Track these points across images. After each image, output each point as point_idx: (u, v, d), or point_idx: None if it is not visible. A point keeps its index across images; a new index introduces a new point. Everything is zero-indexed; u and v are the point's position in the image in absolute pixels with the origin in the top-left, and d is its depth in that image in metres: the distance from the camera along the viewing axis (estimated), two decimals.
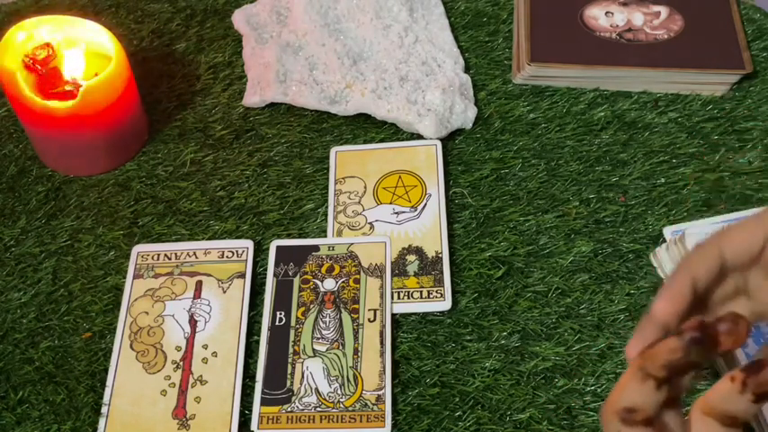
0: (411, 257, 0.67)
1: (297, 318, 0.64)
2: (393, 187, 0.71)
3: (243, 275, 0.66)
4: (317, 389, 0.60)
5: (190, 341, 0.63)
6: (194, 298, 0.65)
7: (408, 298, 0.64)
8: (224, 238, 0.69)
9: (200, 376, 0.61)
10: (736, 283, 0.45)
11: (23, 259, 0.69)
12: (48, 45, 0.70)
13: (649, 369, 0.37)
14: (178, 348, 0.63)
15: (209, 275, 0.66)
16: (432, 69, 0.78)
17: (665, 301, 0.41)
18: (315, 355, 0.62)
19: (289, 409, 0.59)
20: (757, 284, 0.45)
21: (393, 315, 0.64)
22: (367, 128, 0.76)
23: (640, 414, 0.38)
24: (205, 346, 0.63)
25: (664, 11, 0.80)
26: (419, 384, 0.61)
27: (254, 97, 0.77)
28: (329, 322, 0.63)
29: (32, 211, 0.71)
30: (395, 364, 0.61)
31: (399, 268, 0.66)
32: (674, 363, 0.36)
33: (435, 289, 0.64)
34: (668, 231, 0.66)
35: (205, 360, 0.62)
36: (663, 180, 0.71)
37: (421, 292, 0.64)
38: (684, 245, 0.61)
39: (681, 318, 0.41)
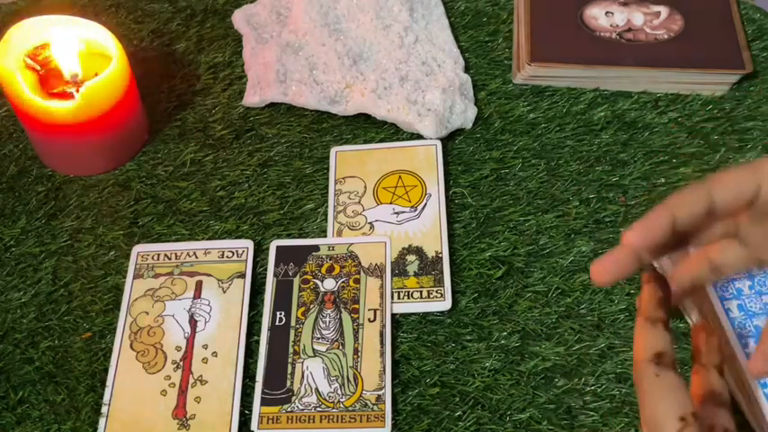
0: (411, 257, 0.67)
1: (297, 318, 0.64)
2: (393, 187, 0.71)
3: (243, 275, 0.66)
4: (317, 389, 0.60)
5: (190, 341, 0.63)
6: (194, 298, 0.65)
7: (408, 298, 0.64)
8: (224, 238, 0.69)
9: (200, 376, 0.61)
10: (725, 227, 0.45)
11: (23, 259, 0.69)
12: (48, 45, 0.70)
13: (652, 314, 0.41)
14: (178, 348, 0.63)
15: (209, 275, 0.66)
16: (432, 69, 0.78)
17: (635, 232, 0.42)
18: (315, 355, 0.62)
19: (289, 409, 0.59)
20: (748, 230, 0.45)
21: (393, 315, 0.64)
22: (367, 128, 0.76)
23: (668, 357, 0.41)
24: (205, 346, 0.63)
25: (664, 11, 0.80)
26: (419, 384, 0.61)
27: (254, 97, 0.77)
28: (329, 322, 0.63)
29: (32, 211, 0.71)
30: (395, 364, 0.61)
31: (399, 268, 0.66)
32: (662, 299, 0.42)
33: (435, 289, 0.64)
34: None
35: (205, 360, 0.62)
36: (663, 180, 0.71)
37: (421, 292, 0.64)
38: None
39: (653, 251, 0.42)
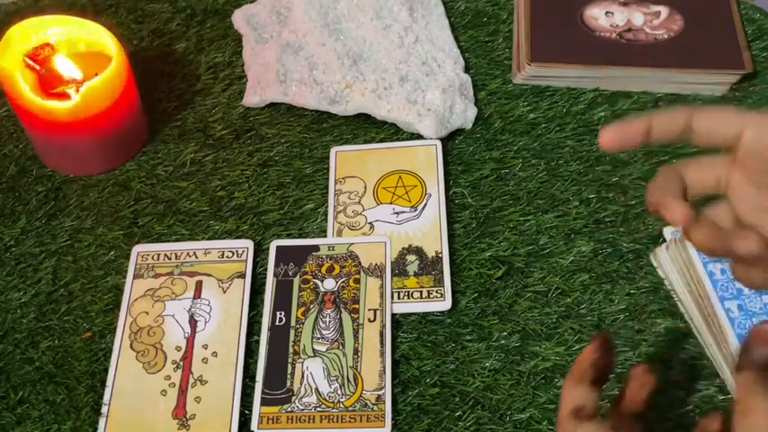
0: (411, 257, 0.67)
1: (297, 318, 0.64)
2: (393, 187, 0.71)
3: (243, 275, 0.66)
4: (317, 389, 0.60)
5: (190, 341, 0.63)
6: (194, 298, 0.65)
7: (408, 298, 0.64)
8: (224, 238, 0.69)
9: (200, 376, 0.61)
10: (716, 178, 0.46)
11: (23, 259, 0.69)
12: (48, 45, 0.70)
13: (580, 374, 0.47)
14: (178, 348, 0.63)
15: (209, 275, 0.66)
16: (432, 69, 0.78)
17: (610, 132, 0.44)
18: (315, 355, 0.62)
19: (289, 409, 0.59)
20: (737, 184, 0.46)
21: (393, 315, 0.64)
22: (367, 128, 0.76)
23: (587, 409, 0.46)
24: (205, 346, 0.63)
25: (664, 11, 0.80)
26: (419, 384, 0.61)
27: (254, 97, 0.77)
28: (329, 322, 0.63)
29: (32, 211, 0.71)
30: (395, 364, 0.61)
31: (399, 268, 0.66)
32: (596, 362, 0.46)
33: (435, 289, 0.64)
34: (668, 231, 0.66)
35: (205, 360, 0.62)
36: None
37: (421, 292, 0.64)
38: (684, 245, 0.61)
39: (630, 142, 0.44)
